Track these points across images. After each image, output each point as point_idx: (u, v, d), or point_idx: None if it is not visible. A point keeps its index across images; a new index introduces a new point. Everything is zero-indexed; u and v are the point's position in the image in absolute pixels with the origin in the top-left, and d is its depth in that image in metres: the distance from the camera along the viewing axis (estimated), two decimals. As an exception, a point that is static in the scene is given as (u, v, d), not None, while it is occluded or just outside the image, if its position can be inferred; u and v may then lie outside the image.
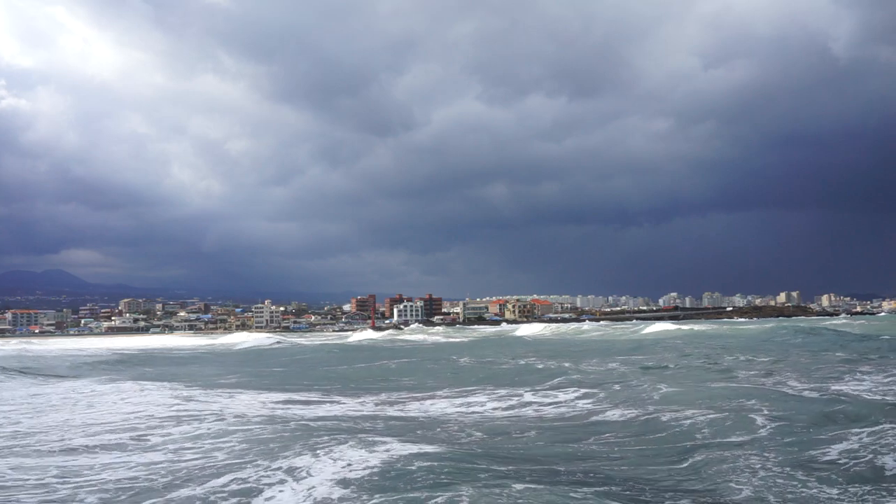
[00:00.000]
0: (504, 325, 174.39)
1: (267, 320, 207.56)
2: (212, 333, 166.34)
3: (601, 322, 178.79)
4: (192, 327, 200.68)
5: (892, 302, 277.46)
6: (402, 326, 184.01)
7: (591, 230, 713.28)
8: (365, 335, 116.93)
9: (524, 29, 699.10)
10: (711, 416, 16.44)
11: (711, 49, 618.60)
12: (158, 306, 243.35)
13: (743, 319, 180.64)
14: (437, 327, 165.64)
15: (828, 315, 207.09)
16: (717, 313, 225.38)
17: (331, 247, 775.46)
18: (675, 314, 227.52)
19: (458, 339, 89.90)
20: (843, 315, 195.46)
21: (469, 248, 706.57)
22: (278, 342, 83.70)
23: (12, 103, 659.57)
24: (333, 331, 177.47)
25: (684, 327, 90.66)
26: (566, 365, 35.01)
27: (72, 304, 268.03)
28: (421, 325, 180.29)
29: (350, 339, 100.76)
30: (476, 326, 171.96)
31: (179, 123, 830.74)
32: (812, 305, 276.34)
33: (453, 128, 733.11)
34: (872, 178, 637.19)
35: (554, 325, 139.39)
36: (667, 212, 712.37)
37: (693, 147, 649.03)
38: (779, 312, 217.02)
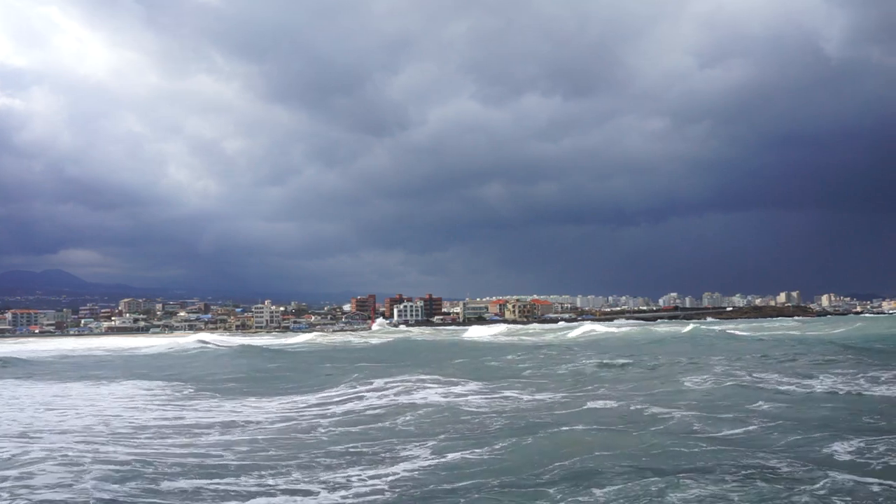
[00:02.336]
0: (503, 325, 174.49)
1: (267, 320, 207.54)
2: (160, 335, 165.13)
3: (572, 323, 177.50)
4: (192, 327, 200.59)
5: (892, 302, 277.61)
6: (398, 325, 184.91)
7: (591, 230, 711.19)
8: (306, 337, 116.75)
9: (519, 28, 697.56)
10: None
11: (707, 48, 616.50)
12: (158, 306, 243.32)
13: (728, 321, 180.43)
14: (412, 328, 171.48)
15: (827, 314, 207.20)
16: (716, 313, 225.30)
17: (329, 247, 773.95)
18: (674, 314, 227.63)
19: (382, 341, 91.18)
20: (828, 316, 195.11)
21: (467, 248, 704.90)
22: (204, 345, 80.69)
23: (7, 103, 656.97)
24: (333, 331, 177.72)
25: (616, 330, 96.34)
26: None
27: (72, 304, 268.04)
28: (385, 325, 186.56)
29: (290, 341, 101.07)
30: (468, 327, 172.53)
31: (175, 123, 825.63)
32: (812, 305, 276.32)
33: (450, 127, 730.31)
34: (871, 178, 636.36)
35: (515, 327, 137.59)
36: (665, 212, 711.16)
37: (690, 147, 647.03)
38: (778, 312, 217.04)
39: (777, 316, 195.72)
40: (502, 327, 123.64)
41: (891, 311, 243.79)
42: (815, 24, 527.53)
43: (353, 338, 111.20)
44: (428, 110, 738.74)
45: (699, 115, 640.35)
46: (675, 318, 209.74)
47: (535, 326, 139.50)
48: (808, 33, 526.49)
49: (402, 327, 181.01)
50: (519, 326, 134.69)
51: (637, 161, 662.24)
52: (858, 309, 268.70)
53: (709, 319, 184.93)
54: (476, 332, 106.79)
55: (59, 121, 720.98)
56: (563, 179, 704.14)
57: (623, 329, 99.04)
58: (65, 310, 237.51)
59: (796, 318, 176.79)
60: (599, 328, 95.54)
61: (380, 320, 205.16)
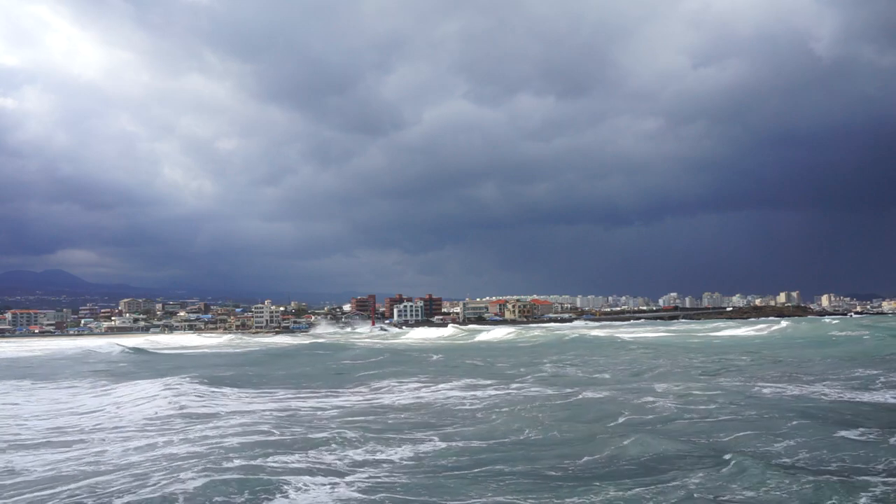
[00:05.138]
0: (451, 328, 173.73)
1: (267, 320, 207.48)
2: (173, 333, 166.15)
3: (540, 324, 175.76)
4: (192, 327, 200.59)
5: (892, 302, 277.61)
6: (400, 326, 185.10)
7: (591, 230, 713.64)
8: (225, 338, 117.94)
9: (511, 28, 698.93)
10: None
11: (700, 48, 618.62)
12: (158, 306, 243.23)
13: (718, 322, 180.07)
14: (403, 328, 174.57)
15: (828, 314, 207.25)
16: (716, 313, 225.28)
17: (327, 247, 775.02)
18: (674, 314, 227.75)
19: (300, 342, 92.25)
20: (810, 316, 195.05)
21: (464, 248, 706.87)
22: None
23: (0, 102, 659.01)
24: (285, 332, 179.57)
25: (513, 334, 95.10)
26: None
27: (72, 304, 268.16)
28: (332, 325, 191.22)
29: (211, 342, 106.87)
30: (412, 328, 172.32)
31: (169, 123, 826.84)
32: (812, 306, 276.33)
33: (444, 127, 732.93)
34: (871, 177, 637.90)
35: (467, 328, 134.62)
36: (664, 211, 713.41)
37: (685, 147, 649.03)
38: (778, 313, 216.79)
39: (777, 316, 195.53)
40: (449, 330, 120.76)
41: (891, 312, 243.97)
42: (806, 23, 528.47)
43: (283, 339, 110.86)
44: (421, 110, 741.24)
45: (693, 115, 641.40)
46: (675, 318, 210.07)
47: (486, 327, 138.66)
48: (801, 33, 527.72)
49: (392, 329, 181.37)
50: (471, 326, 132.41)
51: (632, 161, 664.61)
52: (858, 309, 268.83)
53: (681, 320, 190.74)
54: (419, 335, 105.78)
55: (52, 120, 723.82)
56: (558, 179, 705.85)
57: (535, 332, 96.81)
58: (65, 310, 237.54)
59: (741, 319, 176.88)
60: (509, 334, 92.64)
61: (324, 326, 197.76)
